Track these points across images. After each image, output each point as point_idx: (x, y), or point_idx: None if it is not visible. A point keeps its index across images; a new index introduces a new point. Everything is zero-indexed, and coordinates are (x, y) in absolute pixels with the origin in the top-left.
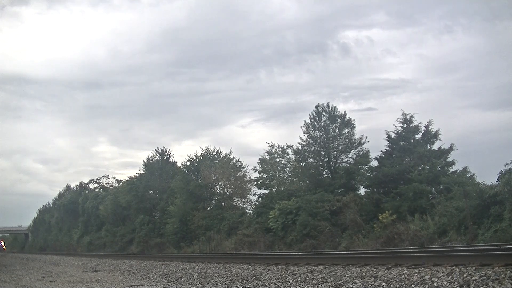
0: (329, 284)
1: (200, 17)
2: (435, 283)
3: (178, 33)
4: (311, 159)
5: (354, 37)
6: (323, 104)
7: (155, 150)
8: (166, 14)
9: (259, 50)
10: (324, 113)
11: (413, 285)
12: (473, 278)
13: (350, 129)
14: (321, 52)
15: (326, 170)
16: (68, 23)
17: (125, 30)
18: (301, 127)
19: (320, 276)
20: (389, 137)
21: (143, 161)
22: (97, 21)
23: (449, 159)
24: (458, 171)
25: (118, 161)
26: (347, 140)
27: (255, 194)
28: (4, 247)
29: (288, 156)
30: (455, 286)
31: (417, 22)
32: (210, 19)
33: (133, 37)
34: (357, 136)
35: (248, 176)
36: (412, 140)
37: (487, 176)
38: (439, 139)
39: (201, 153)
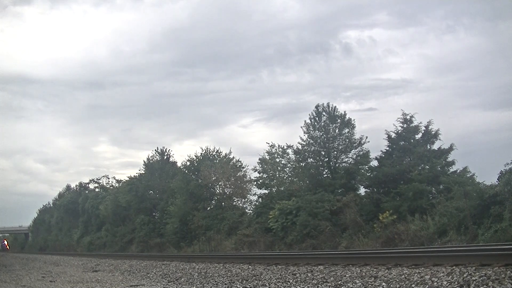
0: (329, 284)
1: (202, 17)
2: (435, 283)
3: (180, 33)
4: (311, 159)
5: (356, 37)
6: (323, 104)
7: (155, 150)
8: (168, 14)
9: (261, 50)
10: (324, 113)
11: (413, 285)
12: (473, 278)
13: (350, 129)
14: (323, 52)
15: (326, 170)
16: (71, 23)
17: (127, 30)
18: (301, 127)
19: (320, 276)
20: (389, 137)
21: (143, 161)
22: (99, 21)
23: (449, 159)
24: (458, 171)
25: (118, 161)
26: (347, 140)
27: (255, 194)
28: (8, 247)
29: (288, 156)
30: (455, 286)
31: (419, 22)
32: (212, 19)
33: (135, 37)
34: (357, 136)
35: (248, 176)
36: (412, 140)
37: (487, 176)
38: (439, 139)
39: (201, 153)
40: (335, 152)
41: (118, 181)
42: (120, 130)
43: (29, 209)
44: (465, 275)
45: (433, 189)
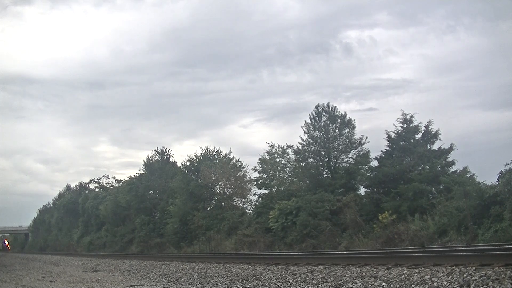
0: (329, 284)
1: (202, 17)
2: (435, 283)
3: (180, 33)
4: (311, 159)
5: (356, 37)
6: (323, 104)
7: (155, 150)
8: (168, 14)
9: (261, 50)
10: (324, 113)
11: (413, 285)
12: (473, 278)
13: (350, 129)
14: (323, 52)
15: (326, 170)
16: (71, 23)
17: (128, 30)
18: (301, 127)
19: (320, 276)
20: (389, 137)
21: (143, 161)
22: (100, 20)
23: (449, 159)
24: (458, 171)
25: (119, 161)
26: (347, 140)
27: (255, 194)
28: (9, 247)
29: (288, 156)
30: (455, 286)
31: (420, 22)
32: (212, 19)
33: (135, 36)
34: (357, 136)
35: (248, 176)
36: (412, 140)
37: (487, 176)
38: (439, 139)
39: (201, 153)
40: (335, 152)
41: (118, 181)
42: (120, 130)
43: (29, 209)
44: (465, 275)
45: (433, 189)
